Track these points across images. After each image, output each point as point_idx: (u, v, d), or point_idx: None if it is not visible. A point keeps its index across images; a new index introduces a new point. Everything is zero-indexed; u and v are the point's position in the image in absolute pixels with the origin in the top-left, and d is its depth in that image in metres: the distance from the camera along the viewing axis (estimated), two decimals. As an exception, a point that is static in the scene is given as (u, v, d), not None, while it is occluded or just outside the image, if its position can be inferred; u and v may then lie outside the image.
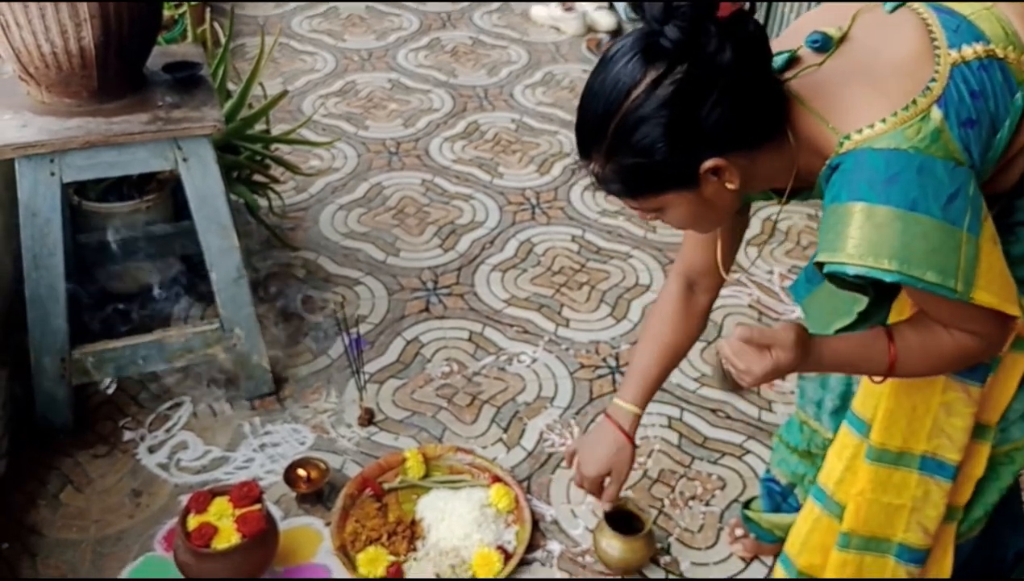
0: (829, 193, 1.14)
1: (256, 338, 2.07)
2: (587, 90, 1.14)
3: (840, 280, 1.18)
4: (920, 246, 1.08)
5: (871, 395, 1.38)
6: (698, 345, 2.30)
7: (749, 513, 1.84)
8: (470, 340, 2.34)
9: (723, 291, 1.43)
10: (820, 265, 1.14)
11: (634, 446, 1.59)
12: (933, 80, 1.12)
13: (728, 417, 2.13)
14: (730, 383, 1.38)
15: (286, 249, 2.58)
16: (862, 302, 1.35)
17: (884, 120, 1.11)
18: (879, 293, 1.30)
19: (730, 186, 1.16)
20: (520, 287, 2.51)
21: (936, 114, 1.10)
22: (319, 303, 2.41)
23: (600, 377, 2.24)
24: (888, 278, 1.09)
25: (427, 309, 2.42)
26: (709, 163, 1.12)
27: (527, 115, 3.32)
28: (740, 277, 2.56)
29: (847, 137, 1.12)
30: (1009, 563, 1.74)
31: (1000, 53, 1.16)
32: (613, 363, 2.28)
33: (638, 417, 1.59)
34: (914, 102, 1.11)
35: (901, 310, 1.31)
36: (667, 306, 1.56)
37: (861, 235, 1.09)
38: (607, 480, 1.62)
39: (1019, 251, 1.28)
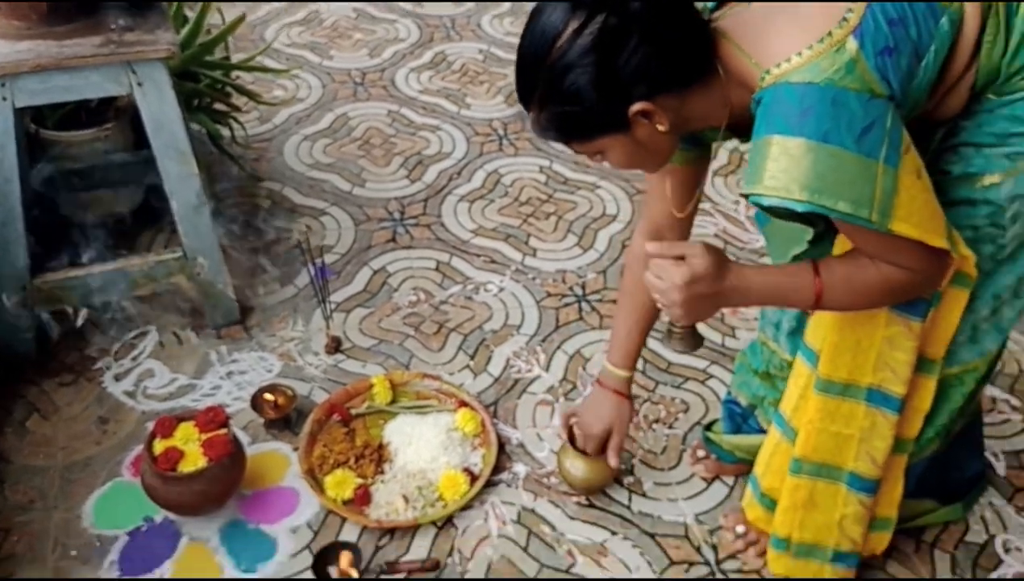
0: (755, 127, 1.17)
1: (220, 266, 2.05)
2: (520, 40, 1.19)
3: (780, 212, 1.20)
4: (832, 177, 1.10)
5: (820, 326, 1.42)
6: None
7: (710, 435, 1.87)
8: (437, 270, 2.34)
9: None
10: (745, 196, 1.17)
11: (631, 402, 1.71)
12: (850, 11, 1.14)
13: (692, 343, 2.16)
14: (677, 341, 1.40)
15: (250, 179, 2.55)
16: (809, 231, 1.38)
17: (800, 53, 1.13)
18: (828, 224, 1.32)
19: (661, 128, 1.20)
20: (487, 217, 2.51)
21: (851, 45, 1.12)
22: (285, 233, 2.39)
23: (566, 305, 2.25)
24: (800, 208, 1.12)
25: (394, 239, 2.42)
26: (637, 107, 1.17)
27: (495, 45, 3.28)
28: (707, 207, 2.57)
29: (768, 72, 1.15)
30: (964, 485, 1.79)
31: None
32: (580, 292, 2.29)
33: (630, 379, 1.70)
34: (829, 34, 1.13)
35: (846, 242, 1.33)
36: (638, 269, 1.60)
37: (776, 167, 1.12)
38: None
39: (959, 171, 1.30)
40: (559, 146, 2.77)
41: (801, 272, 1.26)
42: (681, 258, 1.23)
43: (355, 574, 1.59)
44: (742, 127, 1.26)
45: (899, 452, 1.50)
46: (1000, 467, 1.92)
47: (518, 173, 2.67)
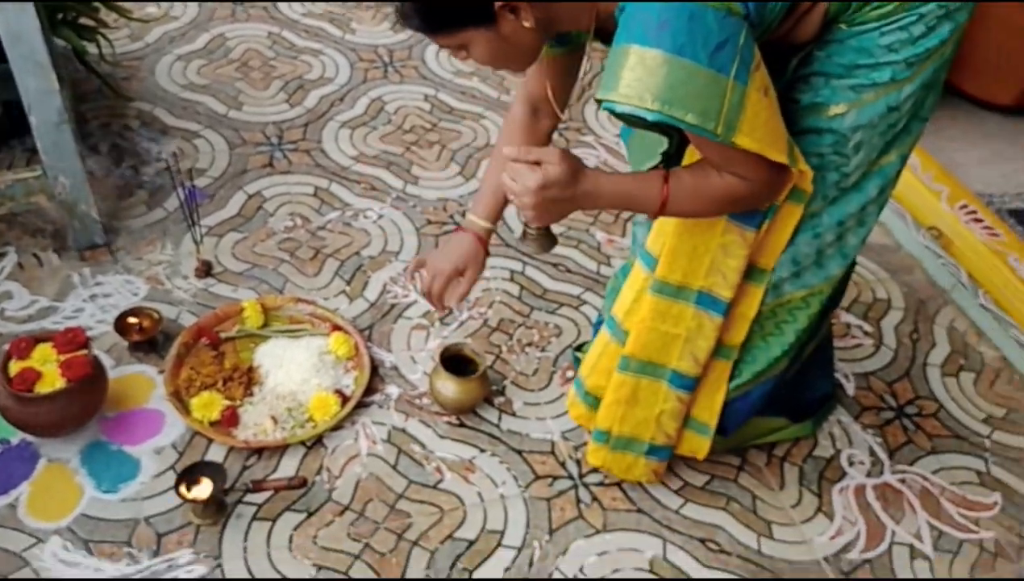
0: (615, 35, 1.20)
1: (83, 187, 1.98)
2: None
3: (632, 120, 1.24)
4: (683, 90, 1.14)
5: (661, 234, 1.48)
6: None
7: (579, 355, 1.92)
8: (315, 196, 2.31)
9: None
10: (599, 102, 1.20)
11: (487, 251, 1.69)
12: None
13: (568, 271, 2.20)
14: (531, 242, 1.44)
15: (119, 99, 2.45)
16: (664, 143, 1.42)
17: None
18: (681, 136, 1.36)
19: (527, 24, 1.22)
20: (369, 145, 2.48)
21: None
22: (155, 155, 2.31)
23: (446, 233, 2.26)
24: (651, 117, 1.16)
25: (271, 164, 2.37)
26: None
27: (382, -29, 3.20)
28: (589, 140, 2.60)
29: None
30: (813, 404, 1.90)
31: None
32: (460, 220, 2.30)
33: (491, 231, 1.69)
34: None
35: (694, 153, 1.37)
36: (513, 128, 1.64)
37: (632, 76, 1.15)
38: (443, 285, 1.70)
39: (808, 101, 1.36)
40: (445, 75, 2.76)
41: (651, 180, 1.31)
42: (537, 164, 1.27)
43: (206, 489, 1.59)
44: (608, 33, 1.27)
45: (722, 358, 1.59)
46: (850, 387, 2.04)
47: (402, 101, 2.64)
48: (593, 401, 1.68)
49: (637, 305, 1.54)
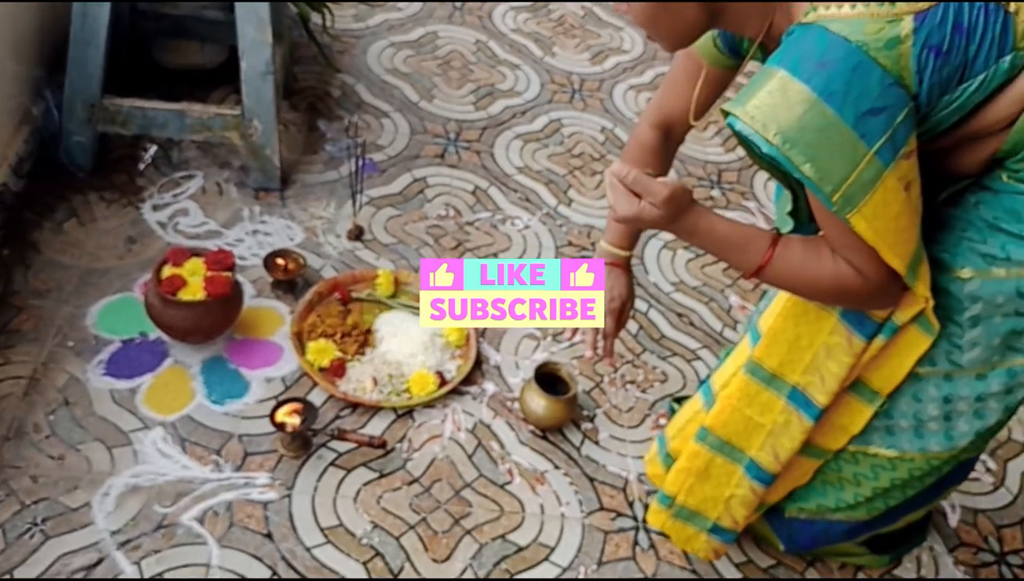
0: (772, 55, 1.13)
1: (272, 134, 2.18)
2: None
3: (748, 148, 1.18)
4: (814, 137, 1.07)
5: (772, 313, 1.41)
6: (686, 254, 2.37)
7: (676, 407, 1.92)
8: (473, 193, 2.42)
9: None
10: (725, 114, 1.14)
11: (632, 277, 1.69)
12: None
13: (691, 324, 2.20)
14: None
15: (329, 68, 2.67)
16: (789, 202, 1.31)
17: (854, 5, 1.07)
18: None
19: None
20: (536, 160, 2.57)
21: (907, 24, 1.06)
22: (344, 124, 2.51)
23: (584, 257, 2.31)
24: (765, 148, 1.09)
25: (443, 156, 2.51)
26: None
27: (597, 5, 3.32)
28: (751, 205, 2.59)
29: (814, 8, 1.09)
30: (900, 540, 1.79)
31: (1011, 7, 1.12)
32: (594, 250, 2.34)
33: (629, 257, 1.67)
34: (893, 3, 1.07)
35: None
36: (644, 152, 1.56)
37: (767, 100, 1.09)
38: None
39: (935, 254, 1.27)
40: (628, 113, 2.82)
41: (758, 237, 1.24)
42: (638, 196, 1.19)
43: (297, 422, 1.71)
44: (772, 50, 1.18)
45: (813, 457, 1.50)
46: (953, 518, 1.93)
47: (579, 128, 2.73)
48: (672, 463, 1.62)
49: (733, 379, 1.47)
